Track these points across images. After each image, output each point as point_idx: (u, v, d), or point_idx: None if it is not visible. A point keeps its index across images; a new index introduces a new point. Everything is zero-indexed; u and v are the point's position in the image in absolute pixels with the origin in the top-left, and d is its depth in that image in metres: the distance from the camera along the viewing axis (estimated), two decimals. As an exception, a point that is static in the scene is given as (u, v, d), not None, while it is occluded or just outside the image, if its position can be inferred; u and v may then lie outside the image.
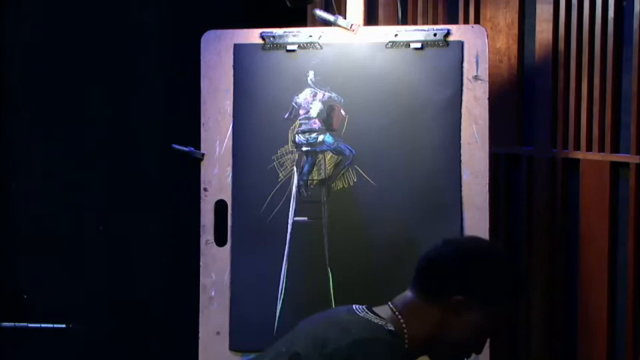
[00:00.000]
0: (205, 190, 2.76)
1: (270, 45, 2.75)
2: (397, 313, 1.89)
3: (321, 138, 2.70)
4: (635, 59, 2.65)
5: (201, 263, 2.74)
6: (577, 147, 2.83)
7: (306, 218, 2.69)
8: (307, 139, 2.71)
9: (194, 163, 2.74)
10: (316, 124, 2.71)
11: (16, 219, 3.65)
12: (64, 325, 3.36)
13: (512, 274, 1.94)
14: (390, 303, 1.92)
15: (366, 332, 1.82)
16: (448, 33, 2.65)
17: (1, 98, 3.62)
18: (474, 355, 1.97)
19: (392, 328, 1.85)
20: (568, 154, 2.85)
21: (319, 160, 2.70)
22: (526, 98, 2.98)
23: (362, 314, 1.88)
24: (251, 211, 2.72)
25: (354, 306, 1.91)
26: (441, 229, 2.61)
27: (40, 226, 3.65)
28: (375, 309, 1.91)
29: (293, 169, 2.70)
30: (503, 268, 1.91)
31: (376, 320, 1.86)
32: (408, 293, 1.92)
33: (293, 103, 2.72)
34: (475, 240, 2.05)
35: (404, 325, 1.86)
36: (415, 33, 2.68)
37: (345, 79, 2.70)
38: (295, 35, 2.74)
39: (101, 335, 3.60)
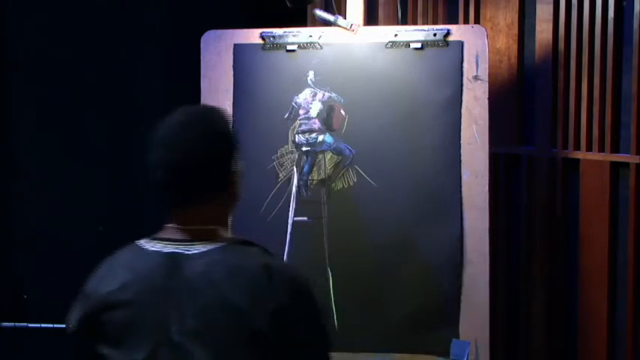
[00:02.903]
0: (205, 190, 2.75)
1: (270, 45, 2.75)
2: (215, 226, 1.84)
3: (321, 138, 2.70)
4: (635, 59, 2.65)
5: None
6: (577, 147, 2.83)
7: (306, 218, 2.69)
8: (307, 139, 2.71)
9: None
10: (316, 124, 2.71)
11: (16, 219, 3.65)
12: (64, 325, 3.36)
13: None
14: (194, 226, 1.82)
15: (253, 254, 1.81)
16: (448, 33, 2.65)
17: (1, 98, 3.62)
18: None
19: (232, 235, 1.85)
20: (568, 154, 2.85)
21: (319, 160, 2.70)
22: (526, 98, 2.98)
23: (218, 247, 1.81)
24: (251, 211, 2.72)
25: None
26: (440, 229, 2.61)
27: (40, 226, 3.64)
28: (199, 233, 1.82)
29: (293, 169, 2.70)
30: None
31: (222, 243, 1.82)
32: (195, 211, 1.81)
33: (293, 103, 2.72)
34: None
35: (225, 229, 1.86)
36: (415, 33, 2.68)
37: (345, 79, 2.70)
38: (295, 35, 2.74)
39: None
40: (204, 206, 1.83)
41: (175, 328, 1.74)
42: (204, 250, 1.79)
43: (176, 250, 1.80)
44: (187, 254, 1.79)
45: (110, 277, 1.82)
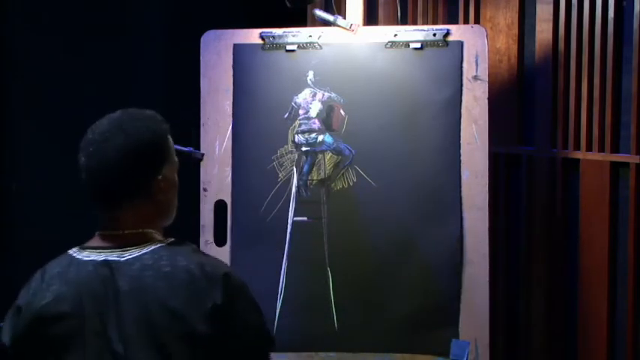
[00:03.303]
0: (205, 190, 2.76)
1: (270, 45, 2.75)
2: (154, 230, 1.85)
3: (320, 138, 2.70)
4: (635, 59, 2.65)
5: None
6: (577, 147, 2.83)
7: (305, 218, 2.69)
8: (307, 139, 2.70)
9: (194, 163, 2.74)
10: (316, 124, 2.71)
11: (16, 219, 3.65)
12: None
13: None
14: (124, 230, 1.83)
15: (188, 256, 1.81)
16: (448, 33, 2.65)
17: (1, 99, 3.62)
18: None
19: (162, 238, 1.85)
20: (568, 154, 2.84)
21: (319, 160, 2.70)
22: (526, 98, 2.98)
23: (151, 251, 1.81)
24: (251, 211, 2.72)
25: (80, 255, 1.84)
26: (440, 229, 2.61)
27: (40, 226, 3.65)
28: (130, 238, 1.82)
29: (293, 169, 2.70)
30: None
31: (156, 245, 1.82)
32: (123, 214, 1.82)
33: (293, 103, 2.72)
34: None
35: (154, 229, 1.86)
36: (415, 33, 2.68)
37: (344, 79, 2.70)
38: (295, 35, 2.74)
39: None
40: (129, 212, 1.82)
41: (115, 336, 1.74)
42: (137, 255, 1.79)
43: (109, 258, 1.80)
44: (121, 261, 1.79)
45: (44, 289, 1.80)
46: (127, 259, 1.79)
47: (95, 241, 1.84)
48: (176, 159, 1.92)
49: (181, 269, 1.77)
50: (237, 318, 1.77)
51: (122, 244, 1.81)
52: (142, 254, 1.79)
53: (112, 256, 1.80)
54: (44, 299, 1.78)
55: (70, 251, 1.85)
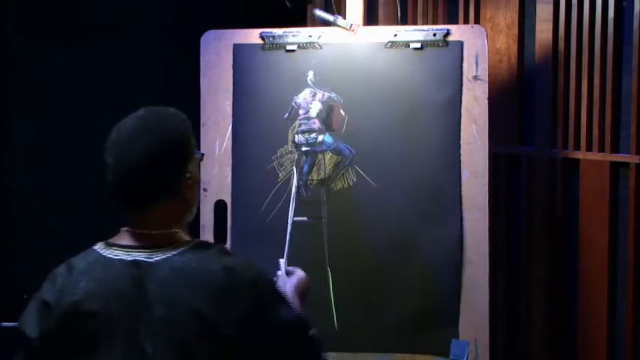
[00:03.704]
0: (205, 190, 2.76)
1: (270, 45, 2.75)
2: (172, 229, 1.84)
3: (320, 138, 2.70)
4: (635, 59, 2.65)
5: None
6: (577, 147, 2.83)
7: (305, 218, 2.69)
8: (307, 139, 2.70)
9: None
10: (316, 124, 2.71)
11: (16, 219, 3.65)
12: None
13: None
14: (153, 230, 1.82)
15: (218, 258, 1.81)
16: (448, 33, 2.65)
17: (1, 99, 3.62)
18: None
19: (191, 238, 1.85)
20: (568, 154, 2.84)
21: (319, 160, 2.70)
22: (526, 98, 2.98)
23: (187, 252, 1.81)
24: (251, 211, 2.72)
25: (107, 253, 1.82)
26: (440, 229, 2.61)
27: (40, 226, 3.65)
28: (159, 238, 1.82)
29: (293, 169, 2.70)
30: None
31: (184, 246, 1.82)
32: (152, 214, 1.81)
33: (293, 103, 2.72)
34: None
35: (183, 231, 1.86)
36: (415, 33, 2.68)
37: (344, 79, 2.70)
38: (295, 35, 2.74)
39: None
40: (157, 212, 1.82)
41: (144, 336, 1.74)
42: (165, 256, 1.79)
43: (138, 258, 1.79)
44: (150, 262, 1.79)
45: (72, 285, 1.79)
46: (156, 261, 1.78)
47: (122, 239, 1.83)
48: (197, 154, 1.92)
49: (210, 273, 1.77)
50: (266, 318, 1.77)
51: (151, 244, 1.80)
52: (172, 256, 1.79)
53: (141, 256, 1.79)
54: (74, 296, 1.77)
55: (96, 247, 1.84)
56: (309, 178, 2.70)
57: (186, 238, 1.85)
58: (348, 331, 2.64)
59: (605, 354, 2.77)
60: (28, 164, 3.66)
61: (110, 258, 1.80)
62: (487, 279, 2.58)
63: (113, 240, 1.84)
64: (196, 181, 1.89)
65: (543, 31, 2.89)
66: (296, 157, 2.71)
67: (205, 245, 1.84)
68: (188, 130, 1.91)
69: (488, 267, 2.58)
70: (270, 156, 2.72)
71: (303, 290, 2.07)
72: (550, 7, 2.86)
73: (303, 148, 2.69)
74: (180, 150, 1.85)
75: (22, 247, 3.66)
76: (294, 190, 2.69)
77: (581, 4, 2.79)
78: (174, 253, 1.79)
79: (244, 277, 1.78)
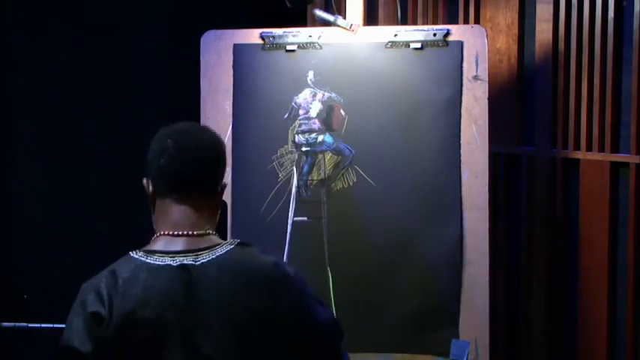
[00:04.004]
0: (205, 190, 2.75)
1: (270, 45, 2.75)
2: (213, 231, 1.88)
3: (320, 138, 2.70)
4: (635, 59, 2.65)
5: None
6: (577, 147, 2.83)
7: (305, 218, 2.69)
8: (307, 139, 2.70)
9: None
10: (316, 124, 2.71)
11: (16, 219, 3.65)
12: (64, 325, 3.36)
13: None
14: (193, 231, 1.83)
15: (262, 261, 1.84)
16: (448, 33, 2.65)
17: (1, 99, 3.62)
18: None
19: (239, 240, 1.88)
20: (568, 154, 2.85)
21: (319, 160, 2.70)
22: (526, 98, 2.98)
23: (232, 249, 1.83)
24: (251, 211, 2.72)
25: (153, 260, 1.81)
26: (440, 228, 2.61)
27: (40, 226, 3.64)
28: (199, 241, 1.83)
29: (293, 169, 2.70)
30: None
31: (231, 245, 1.84)
32: (192, 209, 1.84)
33: (293, 103, 2.72)
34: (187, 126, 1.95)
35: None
36: (415, 33, 2.68)
37: (344, 79, 2.70)
38: (295, 35, 2.74)
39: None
40: (198, 209, 1.84)
41: (203, 340, 1.75)
42: (212, 258, 1.81)
43: (185, 262, 1.80)
44: (197, 264, 1.79)
45: (123, 295, 1.77)
46: (202, 263, 1.80)
47: (162, 244, 1.83)
48: None
49: (260, 266, 1.81)
50: (315, 310, 1.83)
51: (193, 246, 1.82)
52: (217, 257, 1.81)
53: (187, 260, 1.80)
54: (127, 304, 1.76)
55: (134, 255, 1.83)
56: (309, 178, 2.70)
57: (220, 240, 1.87)
58: (348, 331, 2.62)
59: (605, 354, 2.77)
60: (28, 164, 3.66)
61: (156, 264, 1.80)
62: (487, 279, 2.58)
63: (151, 247, 1.84)
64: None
65: (543, 31, 2.89)
66: (296, 157, 2.71)
67: (246, 245, 1.87)
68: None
69: (488, 267, 2.58)
70: (270, 156, 2.72)
71: None
72: (550, 7, 2.86)
73: (303, 148, 2.69)
74: (224, 156, 1.91)
75: (22, 247, 3.66)
76: (294, 190, 2.69)
77: (581, 4, 2.79)
78: (219, 253, 1.81)
79: (291, 272, 1.83)
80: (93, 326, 1.77)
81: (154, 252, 1.82)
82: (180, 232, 1.83)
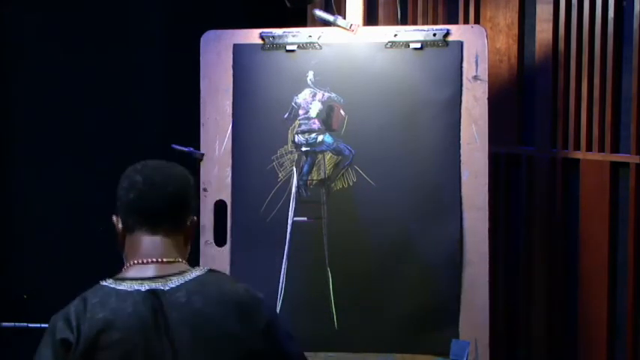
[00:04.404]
0: (205, 190, 2.75)
1: (270, 45, 2.75)
2: (183, 260, 1.91)
3: (320, 138, 2.70)
4: (635, 59, 2.65)
5: (200, 263, 2.74)
6: (577, 147, 2.83)
7: (305, 218, 2.69)
8: (307, 139, 2.70)
9: (194, 163, 2.74)
10: (316, 125, 2.71)
11: (16, 219, 3.65)
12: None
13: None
14: (162, 259, 1.87)
15: (235, 290, 1.87)
16: (448, 33, 2.65)
17: (1, 99, 3.62)
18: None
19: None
20: (568, 154, 2.85)
21: (319, 160, 2.70)
22: (526, 98, 2.98)
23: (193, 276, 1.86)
24: (250, 211, 2.72)
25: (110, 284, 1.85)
26: (440, 229, 2.61)
27: (40, 226, 3.64)
28: (168, 268, 1.87)
29: (292, 170, 2.70)
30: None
31: (200, 272, 1.88)
32: (162, 239, 1.88)
33: (293, 103, 2.72)
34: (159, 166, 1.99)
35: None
36: (415, 33, 2.68)
37: (344, 79, 2.70)
38: (295, 35, 2.74)
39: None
40: (168, 240, 1.88)
41: None
42: (180, 282, 1.84)
43: (153, 287, 1.82)
44: (166, 290, 1.82)
45: (90, 320, 1.80)
46: (171, 288, 1.83)
47: (132, 272, 1.87)
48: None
49: (230, 293, 1.84)
50: (282, 332, 1.87)
51: (162, 273, 1.85)
52: (186, 282, 1.84)
53: (157, 285, 1.83)
54: (94, 328, 1.78)
55: (104, 283, 1.86)
56: (309, 178, 2.70)
57: (190, 267, 1.90)
58: (348, 331, 2.64)
59: (605, 354, 2.77)
60: (29, 164, 3.66)
61: (125, 290, 1.83)
62: (487, 279, 2.58)
63: (122, 275, 1.88)
64: (195, 228, 1.99)
65: (543, 31, 2.89)
66: (296, 157, 2.71)
67: (214, 271, 1.91)
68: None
69: (488, 267, 2.58)
70: (270, 156, 2.72)
71: None
72: (550, 7, 2.86)
73: (303, 148, 2.69)
74: (193, 192, 1.96)
75: (22, 248, 3.66)
76: (294, 190, 2.69)
77: (581, 4, 2.79)
78: (187, 279, 1.84)
79: (261, 298, 1.87)
80: (61, 352, 1.79)
81: (124, 279, 1.85)
82: (149, 260, 1.86)
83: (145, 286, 1.82)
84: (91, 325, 1.78)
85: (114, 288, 1.83)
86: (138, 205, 1.89)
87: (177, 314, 1.79)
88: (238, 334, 1.80)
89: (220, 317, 1.80)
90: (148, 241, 1.87)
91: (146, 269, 1.85)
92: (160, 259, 1.86)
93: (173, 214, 1.89)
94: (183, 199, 1.91)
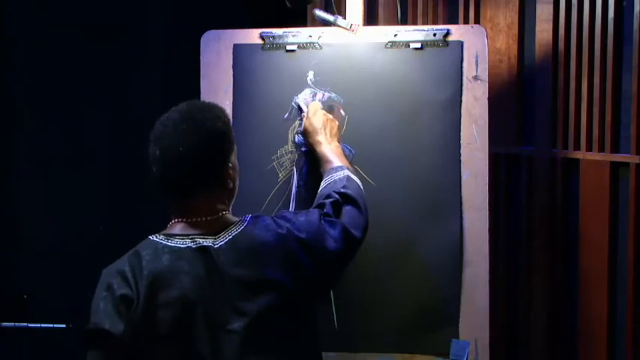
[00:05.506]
0: (205, 190, 2.75)
1: (270, 45, 2.75)
2: (227, 211, 1.99)
3: (320, 138, 2.69)
4: (635, 59, 2.65)
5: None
6: (577, 147, 2.83)
7: (305, 218, 2.68)
8: (307, 139, 2.70)
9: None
10: (316, 124, 2.70)
11: (16, 219, 3.65)
12: (64, 325, 3.36)
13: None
14: (207, 217, 1.93)
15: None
16: (448, 33, 2.65)
17: (1, 99, 3.62)
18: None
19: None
20: (568, 154, 2.85)
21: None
22: (526, 98, 2.98)
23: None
24: (251, 211, 2.71)
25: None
26: (440, 229, 2.61)
27: (40, 226, 3.65)
28: (214, 224, 1.94)
29: (293, 170, 2.70)
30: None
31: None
32: (201, 198, 1.93)
33: (293, 103, 2.72)
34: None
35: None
36: (415, 33, 2.68)
37: (344, 79, 2.70)
38: (295, 35, 2.74)
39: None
40: (203, 200, 1.91)
41: (228, 317, 1.82)
42: (229, 238, 1.89)
43: (204, 243, 1.87)
44: (215, 246, 1.87)
45: (147, 277, 1.82)
46: (221, 245, 1.88)
47: (179, 229, 1.91)
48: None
49: (272, 243, 1.91)
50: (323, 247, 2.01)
51: (210, 230, 1.90)
52: (233, 237, 1.89)
53: (207, 241, 1.88)
54: (152, 286, 1.82)
55: (154, 238, 1.90)
56: (309, 178, 2.70)
57: (235, 218, 1.96)
58: (348, 331, 2.64)
59: (605, 354, 2.77)
60: (30, 164, 3.66)
61: (177, 247, 1.86)
62: (487, 279, 2.58)
63: (169, 231, 1.92)
64: (237, 170, 2.03)
65: (543, 31, 2.89)
66: (296, 157, 2.71)
67: (256, 216, 1.98)
68: (229, 123, 2.02)
69: (488, 267, 2.58)
70: (270, 156, 2.72)
71: (330, 125, 2.38)
72: (550, 7, 2.86)
73: (303, 148, 2.69)
74: (224, 142, 1.96)
75: (22, 247, 3.66)
76: (294, 190, 2.69)
77: (581, 4, 2.79)
78: (234, 234, 1.90)
79: (289, 236, 1.95)
80: (122, 308, 1.81)
81: (173, 235, 1.89)
82: (194, 219, 1.91)
83: (196, 243, 1.86)
84: (150, 282, 1.81)
85: (166, 244, 1.87)
86: (162, 178, 1.91)
87: (229, 270, 1.84)
88: (285, 284, 1.88)
89: (267, 268, 1.87)
90: (187, 204, 1.92)
91: (193, 226, 1.90)
92: (204, 218, 1.90)
93: (199, 178, 1.91)
94: (207, 157, 1.92)
